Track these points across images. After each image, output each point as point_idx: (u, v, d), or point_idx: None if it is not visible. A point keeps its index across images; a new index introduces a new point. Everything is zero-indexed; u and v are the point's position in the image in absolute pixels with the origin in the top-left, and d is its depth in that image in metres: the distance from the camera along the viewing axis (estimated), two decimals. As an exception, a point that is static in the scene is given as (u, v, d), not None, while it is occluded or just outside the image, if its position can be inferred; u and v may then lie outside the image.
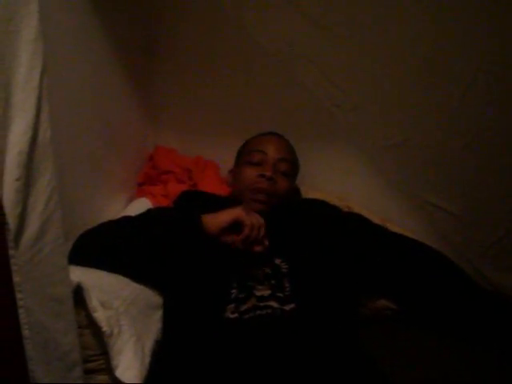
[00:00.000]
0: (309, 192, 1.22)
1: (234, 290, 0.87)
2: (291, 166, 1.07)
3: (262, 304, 0.84)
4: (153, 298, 0.94)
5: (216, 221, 0.89)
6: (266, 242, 0.90)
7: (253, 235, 0.89)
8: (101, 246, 0.90)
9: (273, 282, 0.88)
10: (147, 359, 0.84)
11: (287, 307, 0.84)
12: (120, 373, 0.78)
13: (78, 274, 0.80)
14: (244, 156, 1.10)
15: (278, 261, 0.93)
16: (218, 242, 0.91)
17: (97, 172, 1.09)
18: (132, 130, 1.28)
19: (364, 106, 1.18)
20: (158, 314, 0.94)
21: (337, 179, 1.27)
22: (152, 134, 1.39)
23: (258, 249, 0.90)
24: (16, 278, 0.65)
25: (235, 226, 0.90)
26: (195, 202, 1.10)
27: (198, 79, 1.31)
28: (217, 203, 1.07)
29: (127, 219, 0.98)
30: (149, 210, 1.06)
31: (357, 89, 1.17)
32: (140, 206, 1.21)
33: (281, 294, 0.86)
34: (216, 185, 1.29)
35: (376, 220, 1.13)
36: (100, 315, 0.78)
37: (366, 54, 1.13)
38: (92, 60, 1.03)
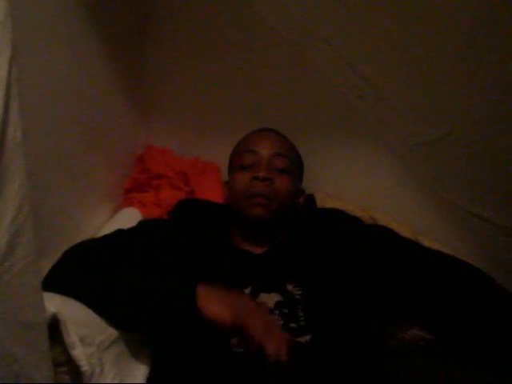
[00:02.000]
0: (325, 200, 1.22)
1: None
2: (289, 161, 1.08)
3: (272, 337, 0.83)
4: (139, 334, 0.94)
5: (213, 314, 0.80)
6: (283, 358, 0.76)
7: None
8: (80, 278, 0.90)
9: (285, 310, 0.90)
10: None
11: (302, 339, 0.85)
12: (101, 419, 0.78)
13: (56, 303, 0.80)
14: (235, 160, 1.12)
15: (289, 286, 0.94)
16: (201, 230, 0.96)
17: (76, 177, 1.10)
18: (119, 127, 1.28)
19: (392, 96, 1.17)
20: (146, 352, 0.94)
21: (359, 185, 1.27)
22: (142, 132, 1.41)
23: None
24: (-19, 301, 0.65)
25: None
26: (194, 214, 1.11)
27: (195, 68, 1.32)
28: (220, 215, 1.10)
29: (116, 244, 0.96)
30: (140, 225, 1.07)
31: (384, 77, 1.17)
32: (127, 217, 1.21)
33: (294, 325, 0.87)
34: (217, 191, 1.30)
35: (406, 233, 1.12)
36: (79, 352, 0.78)
37: (395, 35, 1.13)
38: (73, 48, 1.04)
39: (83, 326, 0.82)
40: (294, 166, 1.10)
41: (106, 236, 1.00)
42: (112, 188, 1.28)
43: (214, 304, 0.80)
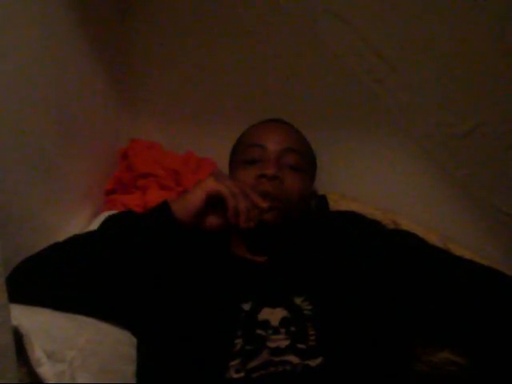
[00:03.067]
0: (340, 202, 1.22)
1: (238, 341, 0.87)
2: (301, 156, 1.07)
3: (277, 359, 0.84)
4: (122, 347, 0.93)
5: (185, 204, 0.95)
6: (265, 204, 0.96)
7: (242, 206, 0.94)
8: (46, 274, 0.91)
9: (292, 328, 0.88)
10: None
11: (312, 362, 0.84)
12: None
13: (16, 315, 0.78)
14: (238, 155, 1.12)
15: (298, 300, 0.93)
16: (198, 234, 0.97)
17: (50, 177, 1.10)
18: (99, 118, 1.29)
19: (417, 81, 1.17)
20: (130, 370, 0.93)
21: (378, 183, 1.27)
22: (126, 124, 1.41)
23: (252, 222, 0.96)
24: None
25: (215, 205, 0.96)
26: None
27: (188, 50, 1.32)
28: None
29: (77, 236, 0.99)
30: (105, 220, 1.07)
31: (407, 58, 1.16)
32: None
33: (303, 346, 0.86)
34: None
35: (434, 240, 1.12)
36: (46, 370, 0.76)
37: (419, 8, 1.12)
38: (47, 27, 1.03)
39: (51, 340, 0.80)
40: (307, 164, 1.10)
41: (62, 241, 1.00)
42: (91, 189, 1.28)
43: (183, 198, 0.96)
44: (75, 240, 0.97)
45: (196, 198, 0.95)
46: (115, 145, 1.38)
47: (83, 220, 1.23)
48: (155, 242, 0.94)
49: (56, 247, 0.96)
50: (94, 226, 1.17)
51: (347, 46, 1.19)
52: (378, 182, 1.27)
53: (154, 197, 1.27)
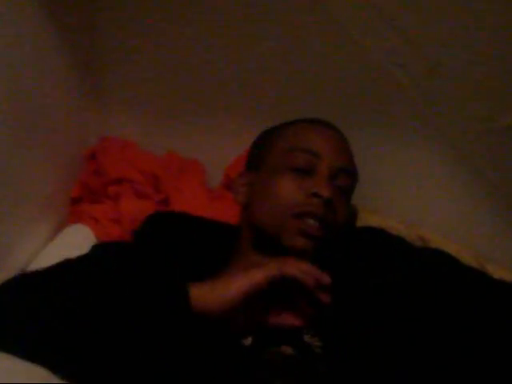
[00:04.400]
0: (357, 215, 1.21)
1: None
2: (353, 179, 1.07)
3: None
4: None
5: (223, 294, 0.84)
6: (328, 278, 0.89)
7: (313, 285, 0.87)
8: (15, 323, 0.86)
9: (300, 370, 0.88)
10: None
11: None
12: None
13: None
14: (277, 154, 1.07)
15: (306, 336, 0.91)
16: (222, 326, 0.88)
17: (1, 184, 1.08)
18: (62, 112, 1.27)
19: (447, 66, 1.17)
20: None
21: (402, 192, 1.27)
22: (94, 118, 1.40)
23: (326, 300, 0.89)
24: None
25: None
26: (172, 235, 1.10)
27: (169, 29, 1.31)
28: (210, 237, 1.09)
29: (61, 273, 0.93)
30: (94, 250, 1.05)
31: (435, 39, 1.16)
32: (74, 238, 1.20)
33: None
34: (201, 200, 1.30)
35: (468, 260, 1.11)
36: None
37: None
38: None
39: None
40: (354, 187, 1.09)
41: (49, 271, 0.94)
42: (52, 197, 1.27)
43: (227, 283, 0.86)
44: (60, 280, 0.91)
45: (236, 289, 0.84)
46: (81, 144, 1.37)
47: (43, 235, 1.22)
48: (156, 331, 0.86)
49: (31, 283, 0.91)
50: (57, 242, 1.21)
51: (364, 24, 1.19)
52: (400, 189, 1.28)
53: (130, 206, 1.27)
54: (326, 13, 1.19)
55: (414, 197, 1.26)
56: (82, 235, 1.21)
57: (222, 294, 0.84)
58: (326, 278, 0.86)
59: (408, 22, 1.16)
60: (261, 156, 1.10)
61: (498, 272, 1.10)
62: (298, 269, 0.85)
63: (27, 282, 0.92)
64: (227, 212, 1.22)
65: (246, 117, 1.14)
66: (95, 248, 1.08)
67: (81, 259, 0.97)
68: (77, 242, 1.15)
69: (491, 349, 0.94)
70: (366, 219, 1.19)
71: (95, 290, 0.88)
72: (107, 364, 0.84)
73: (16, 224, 1.13)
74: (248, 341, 0.90)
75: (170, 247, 1.08)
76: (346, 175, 1.04)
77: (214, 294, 0.84)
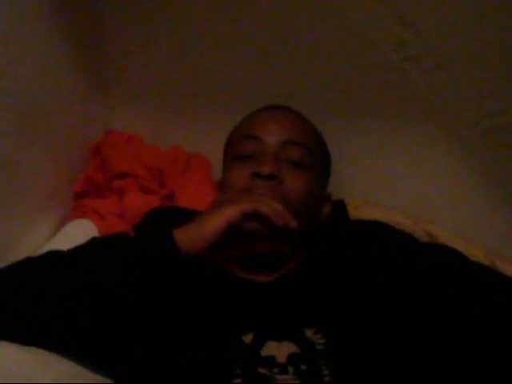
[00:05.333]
0: (361, 209, 1.21)
1: (237, 381, 0.85)
2: (307, 151, 1.05)
3: (283, 404, 0.84)
4: None
5: (197, 235, 0.90)
6: (294, 223, 0.93)
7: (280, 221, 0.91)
8: (10, 298, 0.89)
9: (302, 367, 0.87)
10: None
11: None
12: None
13: None
14: (229, 149, 1.11)
15: (309, 332, 0.91)
16: (208, 269, 0.94)
17: (4, 178, 1.09)
18: (67, 106, 1.27)
19: (457, 60, 1.16)
20: None
21: (408, 186, 1.26)
22: (100, 112, 1.40)
23: (294, 225, 0.93)
24: None
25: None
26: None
27: (176, 21, 1.30)
28: None
29: (52, 256, 0.95)
30: (92, 240, 1.05)
31: (444, 32, 1.14)
32: (78, 233, 1.19)
33: None
34: (207, 194, 1.28)
35: (477, 255, 1.10)
36: None
37: None
38: None
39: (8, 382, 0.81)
40: (316, 159, 1.07)
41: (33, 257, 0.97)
42: (56, 191, 1.26)
43: (200, 224, 0.91)
44: (52, 259, 0.94)
45: (214, 227, 0.90)
46: (86, 138, 1.37)
47: (45, 231, 1.21)
48: (150, 281, 0.90)
49: (28, 266, 0.93)
50: (60, 237, 1.21)
51: (372, 16, 1.17)
52: (407, 183, 1.27)
53: (134, 202, 1.26)
54: (333, 5, 1.19)
55: (422, 191, 1.26)
56: (86, 230, 1.21)
57: (201, 234, 0.89)
58: (294, 223, 0.91)
59: (417, 14, 1.15)
60: (224, 152, 1.14)
61: (508, 269, 1.09)
62: (271, 207, 0.90)
63: (26, 262, 0.94)
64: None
65: (250, 111, 1.12)
66: (93, 239, 1.07)
67: (75, 247, 0.98)
68: (80, 237, 1.10)
69: (501, 347, 0.92)
70: (371, 214, 1.19)
71: (89, 251, 0.94)
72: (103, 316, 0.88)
73: (18, 218, 1.14)
74: (248, 337, 0.90)
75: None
76: (295, 146, 1.03)
77: (194, 234, 0.90)
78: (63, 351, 0.90)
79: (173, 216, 1.13)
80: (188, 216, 1.09)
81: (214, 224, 0.89)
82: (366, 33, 1.19)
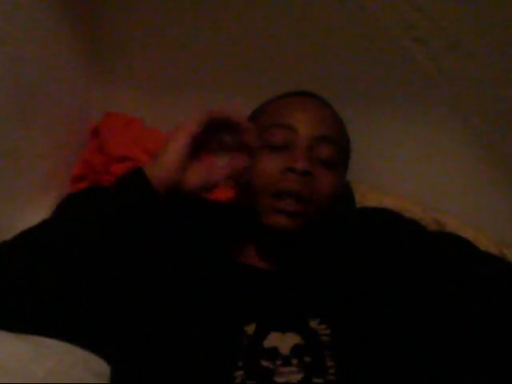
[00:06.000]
0: (368, 195, 1.22)
1: (238, 373, 0.84)
2: (339, 149, 1.03)
3: (287, 398, 0.83)
4: (93, 379, 0.91)
5: (163, 161, 0.90)
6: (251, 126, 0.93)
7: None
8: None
9: (307, 359, 0.86)
10: None
11: None
12: None
13: None
14: (258, 133, 1.10)
15: (314, 323, 0.90)
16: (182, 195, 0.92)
17: (2, 160, 1.09)
18: (64, 86, 1.27)
19: (467, 43, 1.15)
20: None
21: (418, 173, 1.27)
22: (98, 93, 1.40)
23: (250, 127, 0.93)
24: None
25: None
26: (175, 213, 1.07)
27: (177, 3, 1.30)
28: (215, 215, 1.10)
29: (29, 231, 0.93)
30: (63, 202, 1.05)
31: (455, 14, 1.14)
32: None
33: (320, 380, 0.84)
34: None
35: (486, 244, 1.10)
36: None
37: None
38: None
39: (2, 372, 0.80)
40: (344, 157, 1.06)
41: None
42: (53, 175, 1.27)
43: (160, 154, 0.90)
44: (27, 236, 0.91)
45: (176, 144, 0.89)
46: (84, 119, 1.37)
47: (42, 214, 1.15)
48: (131, 227, 0.88)
49: (3, 248, 0.92)
50: None
51: None
52: (417, 171, 1.27)
53: None
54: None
55: (430, 178, 1.25)
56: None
57: (168, 155, 0.88)
58: (249, 125, 0.92)
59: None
60: None
61: (515, 257, 1.10)
62: (223, 108, 0.89)
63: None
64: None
65: (258, 93, 1.10)
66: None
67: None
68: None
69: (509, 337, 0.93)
70: (379, 201, 1.19)
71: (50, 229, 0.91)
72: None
73: (16, 201, 1.14)
74: (251, 327, 0.89)
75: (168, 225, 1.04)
76: (328, 144, 1.02)
77: (160, 159, 0.89)
78: (58, 336, 0.89)
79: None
80: (193, 203, 1.12)
81: (176, 141, 0.89)
82: (376, 15, 1.18)
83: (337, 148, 1.02)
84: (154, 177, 0.88)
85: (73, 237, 0.87)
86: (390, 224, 1.08)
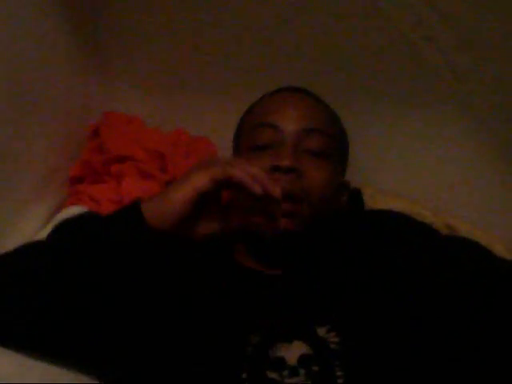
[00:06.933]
0: (376, 198, 1.22)
1: None
2: (328, 139, 1.03)
3: (294, 411, 0.82)
4: None
5: (164, 207, 0.88)
6: (278, 190, 0.90)
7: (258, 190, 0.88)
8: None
9: (315, 368, 0.85)
10: None
11: None
12: None
13: None
14: (242, 137, 1.09)
15: (322, 331, 0.88)
16: (180, 242, 0.91)
17: None
18: (63, 86, 1.27)
19: (479, 39, 1.13)
20: None
21: (428, 176, 1.26)
22: (98, 92, 1.40)
23: (276, 193, 0.90)
24: None
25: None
26: None
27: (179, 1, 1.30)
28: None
29: (21, 250, 0.93)
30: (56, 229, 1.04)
31: (467, 11, 1.11)
32: None
33: None
34: None
35: (501, 250, 1.10)
36: None
37: None
38: None
39: None
40: (337, 148, 1.06)
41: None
42: (50, 176, 1.26)
43: (166, 195, 0.88)
44: (20, 255, 0.92)
45: (180, 197, 0.87)
46: (83, 119, 1.37)
47: (39, 217, 1.21)
48: (123, 262, 0.89)
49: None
50: (52, 225, 1.17)
51: None
52: (426, 172, 1.27)
53: (133, 187, 1.25)
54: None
55: (441, 180, 1.25)
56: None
57: (169, 206, 0.87)
58: (276, 190, 0.88)
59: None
60: (237, 137, 1.12)
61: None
62: (246, 171, 0.87)
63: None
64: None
65: (259, 94, 1.10)
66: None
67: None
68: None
69: None
70: (387, 204, 1.19)
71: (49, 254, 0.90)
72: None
73: (11, 204, 1.14)
74: (256, 336, 0.88)
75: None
76: (316, 135, 1.02)
77: (160, 206, 0.87)
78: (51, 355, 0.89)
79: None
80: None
81: (180, 194, 0.87)
82: (384, 10, 1.16)
83: (326, 138, 1.03)
84: (151, 219, 0.87)
85: (67, 264, 0.86)
86: (400, 226, 1.07)
